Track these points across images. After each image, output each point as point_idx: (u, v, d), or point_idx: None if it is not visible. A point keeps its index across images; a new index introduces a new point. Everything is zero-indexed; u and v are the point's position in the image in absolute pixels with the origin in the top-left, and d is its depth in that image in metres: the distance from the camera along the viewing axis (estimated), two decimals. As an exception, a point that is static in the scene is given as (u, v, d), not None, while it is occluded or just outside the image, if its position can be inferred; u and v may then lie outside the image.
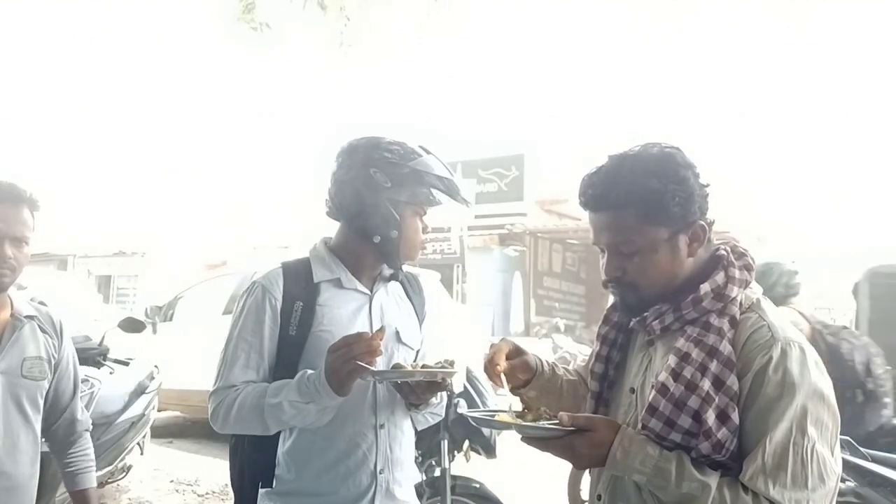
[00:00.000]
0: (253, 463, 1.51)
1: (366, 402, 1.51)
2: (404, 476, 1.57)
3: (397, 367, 1.42)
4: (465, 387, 3.04)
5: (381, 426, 1.52)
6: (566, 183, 17.43)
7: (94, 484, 1.85)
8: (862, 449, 2.69)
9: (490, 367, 1.33)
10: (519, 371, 1.36)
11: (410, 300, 1.68)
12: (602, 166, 1.20)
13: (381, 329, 1.36)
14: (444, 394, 1.56)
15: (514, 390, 1.37)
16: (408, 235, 1.56)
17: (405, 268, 1.68)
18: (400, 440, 1.56)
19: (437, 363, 1.45)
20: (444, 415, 1.65)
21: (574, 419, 1.08)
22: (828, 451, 1.04)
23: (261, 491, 1.49)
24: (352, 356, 1.29)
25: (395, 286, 1.66)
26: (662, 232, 1.15)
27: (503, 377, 1.33)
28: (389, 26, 5.30)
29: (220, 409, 1.45)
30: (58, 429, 1.82)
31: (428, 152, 1.58)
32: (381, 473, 1.51)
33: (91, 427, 1.91)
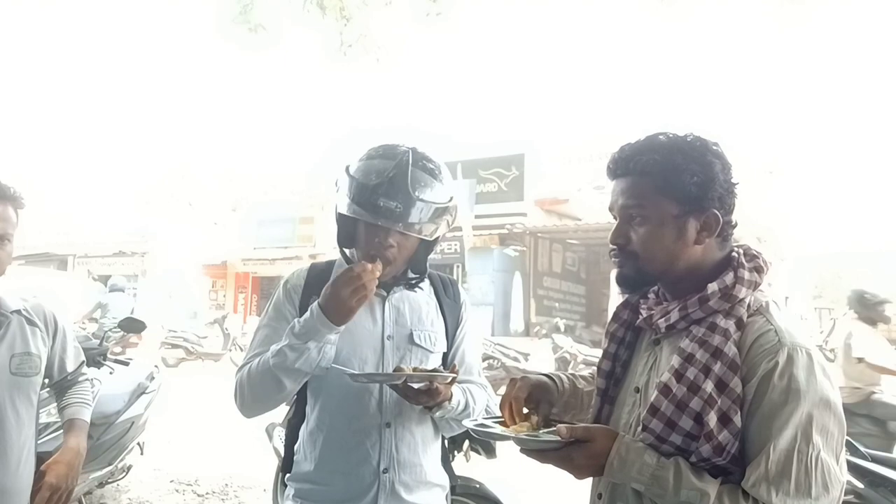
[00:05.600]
0: (284, 454, 1.64)
1: (372, 400, 1.52)
2: (416, 480, 1.55)
3: (398, 370, 1.43)
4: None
5: (388, 425, 1.52)
6: (566, 183, 17.45)
7: (83, 417, 1.84)
8: (862, 449, 2.69)
9: (506, 413, 1.30)
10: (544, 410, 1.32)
11: (440, 304, 1.67)
12: (636, 140, 1.22)
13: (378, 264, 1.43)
14: (464, 401, 1.56)
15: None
16: (360, 246, 1.56)
17: (435, 272, 1.73)
18: (409, 442, 1.54)
19: (433, 369, 1.46)
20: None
21: (572, 431, 1.08)
22: (833, 460, 1.03)
23: (287, 476, 1.61)
24: (362, 283, 1.38)
25: (425, 288, 1.67)
26: (673, 207, 1.15)
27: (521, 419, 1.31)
28: (389, 27, 5.30)
29: (239, 384, 1.54)
30: (60, 385, 1.88)
31: (384, 154, 1.51)
32: (384, 473, 1.51)
33: (93, 379, 1.96)
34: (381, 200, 1.45)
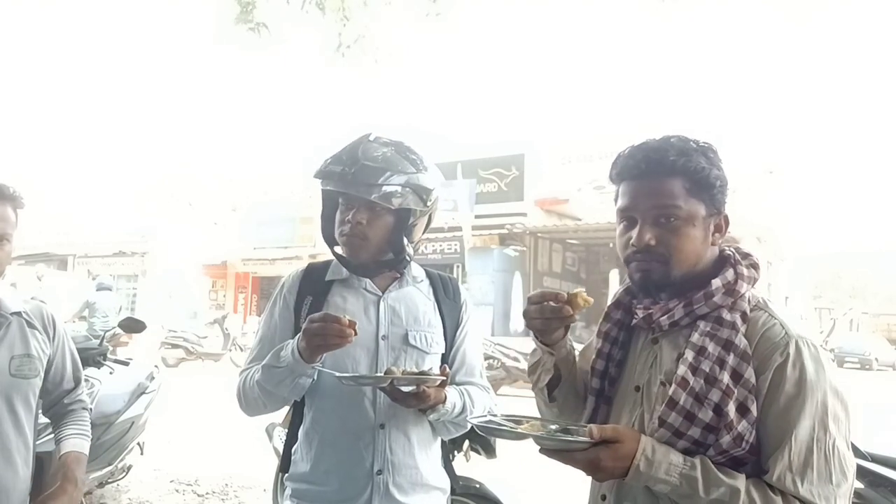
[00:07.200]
0: (283, 454, 1.65)
1: (366, 401, 1.51)
2: (411, 482, 1.53)
3: (388, 372, 1.42)
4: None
5: (381, 426, 1.51)
6: (566, 183, 17.45)
7: (77, 449, 1.75)
8: (862, 449, 2.69)
9: (549, 302, 1.22)
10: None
11: (438, 304, 1.65)
12: (644, 142, 1.21)
13: (353, 323, 1.38)
14: (460, 404, 1.54)
15: (549, 344, 1.31)
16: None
17: (435, 271, 1.73)
18: (404, 444, 1.53)
19: (420, 372, 1.45)
20: (468, 427, 1.60)
21: (602, 431, 1.06)
22: (845, 446, 1.06)
23: (285, 476, 1.62)
24: (324, 334, 1.36)
25: (423, 288, 1.66)
26: (702, 209, 1.17)
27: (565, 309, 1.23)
28: (389, 27, 5.30)
29: (238, 390, 1.59)
30: (56, 412, 1.82)
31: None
32: (378, 475, 1.49)
33: (91, 408, 1.89)
34: (331, 166, 1.53)
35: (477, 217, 15.84)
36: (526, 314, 1.26)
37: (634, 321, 1.27)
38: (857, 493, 2.64)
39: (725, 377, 1.08)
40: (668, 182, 1.16)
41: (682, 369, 1.12)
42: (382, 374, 1.43)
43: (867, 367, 21.39)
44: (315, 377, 1.48)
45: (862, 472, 2.65)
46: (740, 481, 1.03)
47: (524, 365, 10.22)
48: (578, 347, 1.40)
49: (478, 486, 2.86)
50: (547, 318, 1.23)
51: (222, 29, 5.06)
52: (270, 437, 4.06)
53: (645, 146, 1.20)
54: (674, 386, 1.11)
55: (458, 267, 15.71)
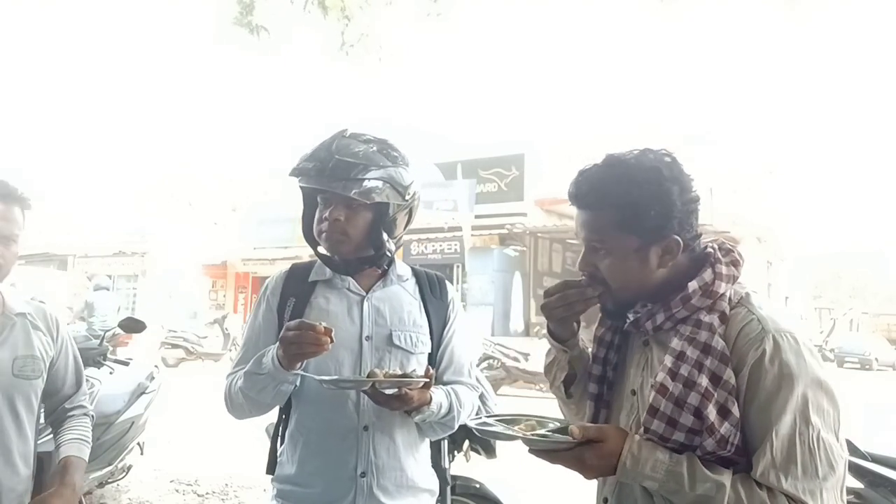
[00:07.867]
0: (269, 454, 1.64)
1: (349, 403, 1.50)
2: (397, 484, 1.52)
3: (371, 374, 1.40)
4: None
5: (365, 428, 1.50)
6: (566, 183, 17.42)
7: (75, 453, 1.73)
8: (862, 449, 2.69)
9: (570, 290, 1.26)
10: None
11: (424, 303, 1.63)
12: (595, 165, 1.21)
13: (329, 330, 1.37)
14: (446, 404, 1.53)
15: (563, 341, 1.34)
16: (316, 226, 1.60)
17: (422, 269, 1.72)
18: (388, 445, 1.52)
19: (402, 374, 1.43)
20: (455, 428, 1.61)
21: (585, 431, 1.08)
22: (833, 438, 1.04)
23: (271, 477, 1.61)
24: (300, 342, 1.35)
25: (409, 287, 1.64)
26: (633, 241, 1.16)
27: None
28: (390, 27, 5.30)
29: (225, 395, 1.58)
30: (56, 417, 1.80)
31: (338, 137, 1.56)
32: (362, 477, 1.48)
33: (93, 414, 1.87)
34: (305, 163, 1.53)
35: (477, 217, 15.86)
36: (546, 306, 1.28)
37: (626, 325, 1.27)
38: (857, 494, 2.64)
39: (704, 380, 1.07)
40: (596, 215, 1.18)
41: (661, 376, 1.12)
42: (364, 377, 1.42)
43: (867, 367, 21.36)
44: (297, 383, 1.48)
45: (862, 472, 2.65)
46: (726, 476, 1.03)
47: (524, 365, 10.23)
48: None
49: (478, 486, 2.86)
50: (571, 302, 1.25)
51: (222, 29, 5.06)
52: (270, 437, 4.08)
53: (585, 173, 1.20)
54: (653, 393, 1.11)
55: (458, 267, 15.72)
